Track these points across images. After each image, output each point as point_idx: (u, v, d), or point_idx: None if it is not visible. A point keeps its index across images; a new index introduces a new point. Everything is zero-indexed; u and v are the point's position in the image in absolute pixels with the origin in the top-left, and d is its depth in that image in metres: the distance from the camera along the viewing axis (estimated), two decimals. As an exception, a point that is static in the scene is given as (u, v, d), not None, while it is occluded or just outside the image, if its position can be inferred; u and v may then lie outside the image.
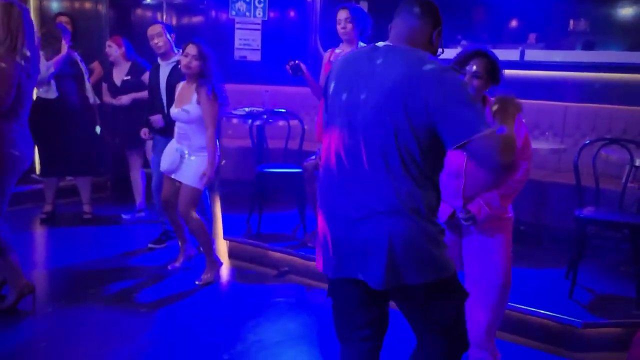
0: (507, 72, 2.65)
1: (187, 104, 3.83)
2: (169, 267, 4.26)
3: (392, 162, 1.82)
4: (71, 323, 3.48)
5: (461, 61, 2.56)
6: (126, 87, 5.11)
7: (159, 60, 4.47)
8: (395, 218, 1.82)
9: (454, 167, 2.55)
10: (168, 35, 4.40)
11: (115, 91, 5.15)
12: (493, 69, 2.55)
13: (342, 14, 4.04)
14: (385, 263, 1.83)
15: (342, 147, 1.90)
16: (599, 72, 5.26)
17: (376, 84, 1.84)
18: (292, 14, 6.79)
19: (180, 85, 4.00)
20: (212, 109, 3.78)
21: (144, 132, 4.71)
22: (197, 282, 4.01)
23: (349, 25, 4.03)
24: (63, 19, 5.54)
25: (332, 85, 1.99)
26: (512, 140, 1.80)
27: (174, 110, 3.92)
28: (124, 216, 5.37)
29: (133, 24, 7.26)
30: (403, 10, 1.95)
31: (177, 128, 3.95)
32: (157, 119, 4.38)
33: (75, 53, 5.19)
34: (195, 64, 3.80)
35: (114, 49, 5.14)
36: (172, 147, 3.97)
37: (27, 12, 3.35)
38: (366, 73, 1.88)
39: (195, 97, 3.81)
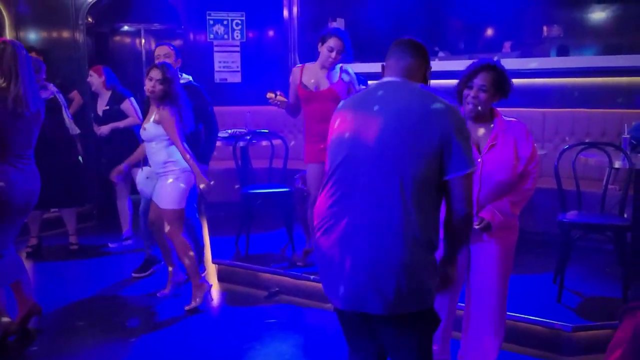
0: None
1: (146, 123, 3.90)
2: (159, 295, 4.23)
3: (398, 193, 1.89)
4: (61, 356, 3.44)
5: (469, 75, 2.60)
6: (106, 117, 5.11)
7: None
8: (401, 248, 1.88)
9: None
10: (174, 59, 4.40)
11: (98, 121, 5.16)
12: (500, 82, 2.59)
13: (337, 44, 4.02)
14: (394, 290, 1.89)
15: (347, 179, 1.98)
16: (574, 77, 5.36)
17: (383, 116, 1.95)
18: (270, 34, 6.86)
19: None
20: (172, 126, 3.81)
21: (119, 171, 4.69)
22: (186, 308, 3.98)
23: (339, 56, 4.06)
24: (33, 54, 5.53)
25: (337, 123, 2.09)
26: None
27: (141, 131, 3.99)
28: (110, 245, 5.34)
29: (112, 52, 7.28)
30: (397, 51, 2.08)
31: (146, 148, 4.01)
32: (120, 169, 4.43)
33: (51, 85, 5.18)
34: (158, 87, 3.84)
35: (94, 78, 5.14)
36: (142, 172, 4.09)
37: (21, 48, 3.35)
38: (372, 106, 1.99)
39: (154, 116, 3.87)
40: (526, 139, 2.61)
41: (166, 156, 3.90)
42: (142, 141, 4.06)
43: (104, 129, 5.08)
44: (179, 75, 4.39)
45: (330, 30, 4.11)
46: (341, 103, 2.20)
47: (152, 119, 3.87)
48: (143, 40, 7.30)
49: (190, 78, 4.50)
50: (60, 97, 5.22)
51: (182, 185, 3.92)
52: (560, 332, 3.33)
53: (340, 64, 4.15)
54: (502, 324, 2.74)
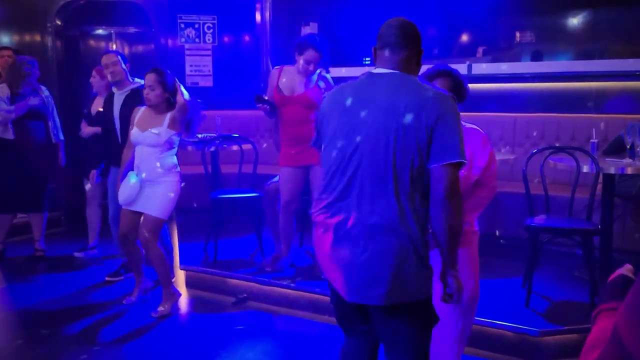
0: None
1: (157, 127, 3.75)
2: (124, 301, 4.14)
3: (391, 181, 1.90)
4: (20, 368, 3.34)
5: (429, 79, 2.56)
6: (98, 119, 4.88)
7: (113, 89, 4.40)
8: (394, 237, 1.90)
9: None
10: (123, 65, 4.35)
11: (90, 121, 4.97)
12: (457, 87, 2.56)
13: (314, 56, 3.96)
14: (388, 281, 1.91)
15: (342, 169, 1.99)
16: (545, 82, 5.39)
17: (376, 107, 1.95)
18: (242, 38, 6.80)
19: (141, 110, 3.89)
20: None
21: (92, 176, 4.61)
22: (153, 315, 3.90)
23: (317, 67, 4.02)
24: (5, 53, 5.42)
25: (327, 113, 2.08)
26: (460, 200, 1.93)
27: (137, 134, 3.80)
28: (76, 254, 5.22)
29: (82, 55, 7.15)
30: (388, 45, 2.04)
31: (139, 153, 3.83)
32: (94, 174, 4.51)
33: (44, 88, 5.11)
34: (152, 94, 3.74)
35: (97, 80, 4.95)
36: (130, 177, 3.84)
37: None
38: (365, 98, 1.98)
39: (167, 121, 3.75)
40: (483, 148, 2.54)
41: (167, 164, 3.81)
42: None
43: (86, 132, 4.96)
44: (130, 80, 4.34)
45: (307, 41, 3.99)
46: (325, 99, 2.15)
47: (165, 123, 3.75)
48: (114, 44, 7.21)
49: (142, 82, 4.43)
50: (50, 102, 5.13)
51: (172, 195, 3.84)
52: (528, 337, 3.32)
53: (319, 69, 4.11)
54: (464, 333, 2.65)
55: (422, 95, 1.92)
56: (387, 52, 2.04)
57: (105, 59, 4.37)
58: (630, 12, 7.16)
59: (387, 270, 1.91)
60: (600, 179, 3.85)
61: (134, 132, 3.82)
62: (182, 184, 3.91)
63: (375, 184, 1.92)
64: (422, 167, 1.92)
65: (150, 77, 3.76)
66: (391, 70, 2.02)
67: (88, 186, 5.06)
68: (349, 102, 2.02)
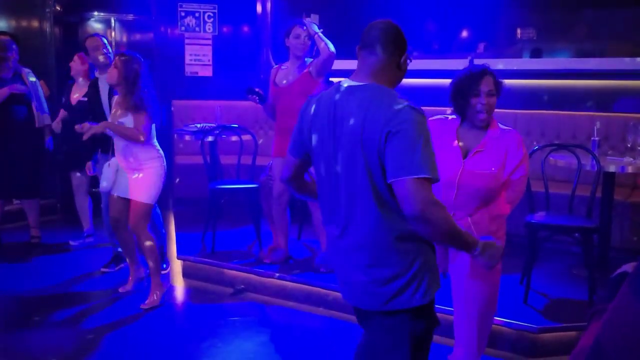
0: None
1: (124, 117, 3.75)
2: (120, 290, 4.12)
3: (366, 195, 1.84)
4: (15, 351, 3.31)
5: (472, 82, 2.52)
6: (80, 108, 4.79)
7: (97, 74, 4.37)
8: (371, 246, 1.87)
9: (446, 177, 2.48)
10: (109, 48, 4.32)
11: (70, 110, 4.86)
12: (497, 84, 2.57)
13: (302, 30, 4.01)
14: (362, 287, 1.91)
15: (329, 186, 1.96)
16: (546, 79, 5.37)
17: (341, 122, 1.87)
18: (243, 28, 6.75)
19: (115, 99, 3.90)
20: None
21: (88, 168, 4.58)
22: (142, 306, 3.86)
23: (308, 42, 4.01)
24: (2, 37, 5.35)
25: (307, 128, 2.02)
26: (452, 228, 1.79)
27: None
28: (72, 243, 5.17)
29: (81, 42, 7.07)
30: (367, 46, 1.93)
31: (117, 142, 3.83)
32: (90, 166, 4.48)
33: (28, 71, 5.03)
34: (109, 74, 3.75)
35: (77, 64, 4.82)
36: (109, 164, 3.90)
37: None
38: (331, 113, 1.91)
39: (130, 109, 3.74)
40: (517, 150, 2.53)
41: (146, 150, 3.78)
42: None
43: (56, 126, 4.90)
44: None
45: (291, 22, 4.08)
46: (305, 110, 2.07)
47: (128, 112, 3.72)
48: (114, 32, 7.14)
49: None
50: (33, 85, 5.04)
51: (157, 179, 3.82)
52: (526, 334, 3.32)
53: (312, 59, 4.09)
54: (481, 338, 2.64)
55: (387, 110, 1.79)
56: (365, 54, 1.93)
57: (90, 42, 4.39)
58: (630, 11, 7.15)
59: (367, 275, 1.89)
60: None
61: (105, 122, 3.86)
62: (177, 180, 3.88)
63: (356, 201, 1.87)
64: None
65: (114, 59, 3.80)
66: (363, 83, 1.90)
67: (77, 175, 5.01)
68: (319, 122, 1.96)
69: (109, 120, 3.87)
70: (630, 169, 3.91)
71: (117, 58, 3.77)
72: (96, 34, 4.71)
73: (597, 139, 4.12)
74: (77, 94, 4.86)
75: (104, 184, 3.91)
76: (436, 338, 2.13)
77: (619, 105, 5.01)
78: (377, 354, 2.00)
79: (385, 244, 1.86)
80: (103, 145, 4.25)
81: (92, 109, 4.39)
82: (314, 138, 1.98)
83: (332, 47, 3.88)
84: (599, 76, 5.18)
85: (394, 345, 1.95)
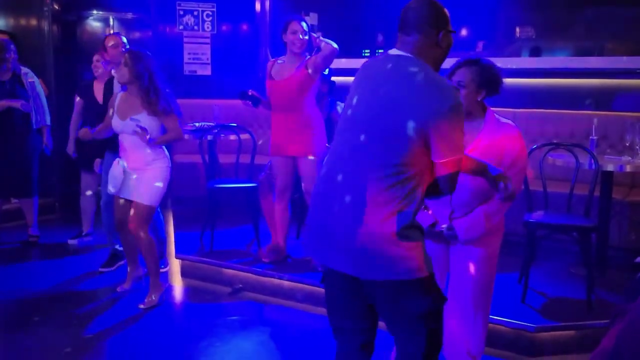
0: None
1: (138, 114, 3.70)
2: (118, 289, 4.12)
3: (379, 165, 1.89)
4: (14, 351, 3.31)
5: (450, 73, 2.51)
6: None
7: (114, 72, 4.35)
8: (369, 213, 1.88)
9: None
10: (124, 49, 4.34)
11: (98, 109, 4.69)
12: (486, 77, 2.47)
13: (299, 26, 4.01)
14: (354, 255, 1.92)
15: (345, 145, 1.99)
16: (545, 77, 5.37)
17: (383, 87, 1.93)
18: (241, 27, 6.75)
19: (120, 96, 3.85)
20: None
21: (96, 165, 4.58)
22: (140, 306, 3.86)
23: (306, 38, 4.01)
24: (0, 38, 5.34)
25: (351, 93, 2.07)
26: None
27: (118, 122, 3.76)
28: (70, 242, 5.18)
29: (79, 40, 7.08)
30: (403, 28, 1.99)
31: (123, 142, 3.80)
32: (98, 163, 4.50)
33: (26, 71, 5.00)
34: (119, 72, 3.73)
35: (101, 64, 4.75)
36: (116, 164, 3.83)
37: None
38: (377, 76, 1.98)
39: (147, 108, 3.70)
40: (514, 145, 2.46)
41: (154, 150, 3.76)
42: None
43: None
44: None
45: (287, 19, 4.07)
46: (361, 67, 2.12)
47: (145, 111, 3.69)
48: (112, 30, 7.13)
49: None
50: (32, 86, 5.02)
51: (161, 182, 3.79)
52: (524, 333, 3.32)
53: (310, 56, 4.09)
54: (477, 340, 2.61)
55: (434, 85, 1.89)
56: (402, 36, 2.00)
57: (107, 40, 4.40)
58: (630, 10, 7.14)
59: (365, 245, 1.91)
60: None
61: (115, 121, 3.79)
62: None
63: (365, 166, 1.92)
64: (413, 152, 1.88)
65: (123, 57, 3.77)
66: (402, 53, 1.97)
67: (88, 175, 4.98)
68: (363, 79, 2.03)
69: (112, 121, 3.81)
70: (628, 168, 3.91)
71: (126, 55, 3.73)
72: (116, 33, 4.72)
73: (595, 137, 4.12)
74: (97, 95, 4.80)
75: (111, 184, 3.83)
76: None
77: (618, 104, 5.02)
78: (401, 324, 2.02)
79: (386, 210, 1.88)
80: (111, 145, 4.22)
81: (100, 107, 4.38)
82: (356, 97, 2.02)
83: (334, 44, 3.87)
84: (597, 75, 5.18)
85: (400, 320, 1.99)
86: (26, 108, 4.92)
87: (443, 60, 2.04)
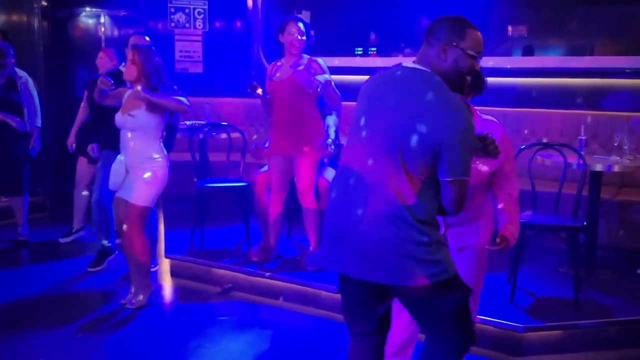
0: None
1: (136, 109, 3.64)
2: (123, 303, 3.92)
3: (395, 172, 1.95)
4: (3, 352, 3.31)
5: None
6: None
7: (122, 67, 4.34)
8: (394, 222, 1.94)
9: None
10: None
11: (99, 106, 4.84)
12: (474, 81, 2.41)
13: (297, 27, 4.00)
14: (383, 264, 1.98)
15: (360, 155, 2.03)
16: (536, 77, 5.38)
17: (396, 98, 1.97)
18: (233, 24, 6.73)
19: (128, 92, 3.79)
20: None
21: (92, 149, 4.55)
22: (128, 306, 3.84)
23: (304, 38, 4.01)
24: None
25: (359, 103, 2.13)
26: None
27: (119, 117, 3.71)
28: (61, 240, 5.15)
29: (70, 37, 7.05)
30: (427, 35, 2.06)
31: (122, 138, 3.73)
32: (94, 148, 4.38)
33: (21, 75, 4.96)
34: (127, 71, 3.67)
35: (105, 61, 4.79)
36: (119, 161, 3.74)
37: None
38: (390, 88, 2.02)
39: (146, 104, 3.63)
40: (504, 139, 2.46)
41: (152, 149, 3.70)
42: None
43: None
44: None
45: (284, 18, 4.06)
46: (361, 88, 2.17)
47: (143, 107, 3.62)
48: (104, 27, 7.10)
49: None
50: (26, 90, 4.98)
51: (156, 182, 3.71)
52: (512, 333, 3.33)
53: (310, 56, 4.09)
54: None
55: (440, 105, 1.92)
56: (423, 45, 2.06)
57: (134, 39, 4.36)
58: (621, 10, 7.16)
59: (385, 252, 1.98)
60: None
61: (118, 116, 3.74)
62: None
63: (382, 174, 1.97)
64: (427, 167, 1.94)
65: (129, 53, 3.72)
66: (419, 67, 2.01)
67: (85, 162, 4.98)
68: (374, 91, 2.07)
69: (119, 114, 3.74)
70: (616, 168, 3.94)
71: (132, 52, 3.66)
72: (141, 32, 4.62)
73: (584, 137, 4.14)
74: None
75: (112, 180, 3.75)
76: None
77: (608, 103, 5.03)
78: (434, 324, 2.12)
79: (408, 219, 1.94)
80: (110, 142, 4.16)
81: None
82: (363, 112, 2.07)
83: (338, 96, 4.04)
84: (587, 74, 5.20)
85: (434, 321, 2.09)
86: (21, 127, 4.93)
87: (455, 77, 2.02)
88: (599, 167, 3.92)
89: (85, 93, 4.87)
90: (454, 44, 1.99)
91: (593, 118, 4.91)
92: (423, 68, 2.00)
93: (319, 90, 3.93)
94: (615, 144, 4.13)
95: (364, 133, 2.04)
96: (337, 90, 4.02)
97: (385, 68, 2.12)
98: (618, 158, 4.03)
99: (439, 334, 2.13)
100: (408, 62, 2.06)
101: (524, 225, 3.64)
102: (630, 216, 4.40)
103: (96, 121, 4.52)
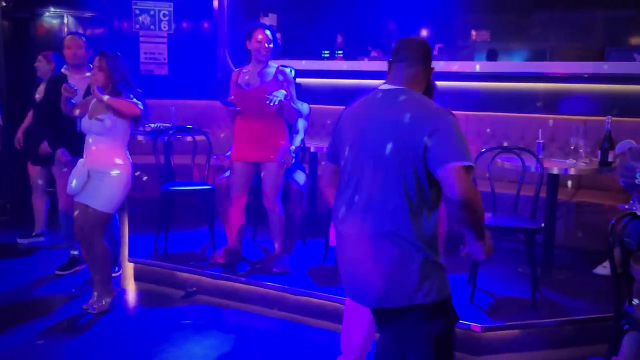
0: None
1: (103, 114, 3.61)
2: (84, 308, 3.89)
3: (392, 190, 2.01)
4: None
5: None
6: (41, 106, 4.65)
7: (66, 71, 4.29)
8: (390, 242, 2.00)
9: None
10: (85, 50, 4.28)
11: (35, 107, 4.80)
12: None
13: (264, 34, 4.01)
14: (379, 284, 2.03)
15: (352, 178, 2.12)
16: (497, 81, 5.50)
17: (381, 120, 2.07)
18: (199, 26, 6.70)
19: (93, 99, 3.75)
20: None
21: (44, 148, 4.48)
22: (90, 311, 3.80)
23: (271, 46, 4.03)
24: None
25: (344, 128, 2.21)
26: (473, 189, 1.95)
27: (85, 121, 3.68)
28: (19, 241, 5.07)
29: (32, 38, 6.92)
30: (406, 58, 2.16)
31: (87, 142, 3.70)
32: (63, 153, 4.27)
33: None
34: (94, 78, 3.64)
35: (43, 64, 4.79)
36: (81, 165, 3.70)
37: None
38: (372, 112, 2.11)
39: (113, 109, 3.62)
40: None
41: (116, 154, 3.67)
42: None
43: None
44: (90, 67, 4.23)
45: (252, 25, 4.08)
46: (342, 116, 2.26)
47: (110, 112, 3.59)
48: (67, 28, 7.00)
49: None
50: None
51: (120, 188, 3.69)
52: (471, 332, 3.39)
53: (278, 65, 4.12)
54: None
55: (426, 109, 2.03)
56: (402, 65, 2.16)
57: (69, 40, 4.27)
58: (579, 16, 7.36)
59: (376, 273, 2.04)
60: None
61: (84, 120, 3.71)
62: (137, 173, 3.81)
63: (379, 193, 2.03)
64: (422, 179, 2.00)
65: (95, 60, 3.69)
66: (398, 87, 2.14)
67: (37, 169, 4.92)
68: (359, 117, 2.15)
69: (85, 118, 3.70)
70: (572, 171, 4.05)
71: (99, 59, 3.64)
72: (77, 32, 4.64)
73: (541, 141, 4.24)
74: (38, 95, 4.77)
75: (73, 185, 3.69)
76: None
77: (566, 107, 5.17)
78: (399, 352, 2.20)
79: (407, 238, 1.99)
80: (73, 147, 4.14)
81: (54, 107, 4.29)
82: (351, 139, 2.14)
83: (304, 111, 4.18)
84: (547, 79, 5.33)
85: (416, 342, 2.10)
86: None
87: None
88: (555, 170, 4.02)
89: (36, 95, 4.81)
90: (431, 65, 2.21)
91: (552, 122, 5.04)
92: (402, 87, 2.13)
93: (272, 105, 3.92)
94: (572, 148, 4.25)
95: (351, 158, 2.13)
96: (296, 105, 4.06)
97: (363, 91, 2.24)
98: (574, 161, 4.14)
99: (418, 357, 2.13)
100: (384, 84, 2.18)
101: (484, 227, 3.73)
102: (587, 217, 4.53)
103: (42, 124, 4.45)
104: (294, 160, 4.15)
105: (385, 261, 2.01)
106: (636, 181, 3.44)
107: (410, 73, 2.16)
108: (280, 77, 4.08)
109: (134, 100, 3.67)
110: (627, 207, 3.87)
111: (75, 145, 4.02)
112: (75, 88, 3.78)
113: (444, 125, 1.97)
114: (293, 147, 4.14)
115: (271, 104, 3.91)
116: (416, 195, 2.00)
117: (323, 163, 2.40)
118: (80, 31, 7.13)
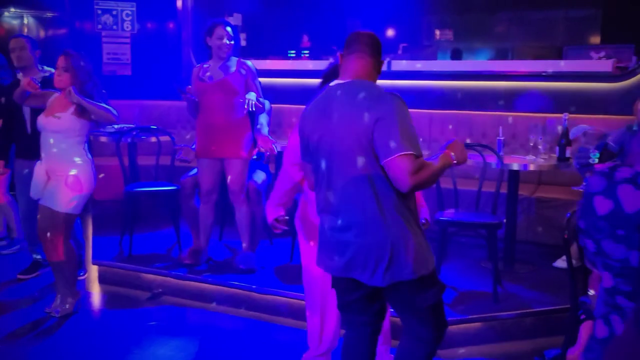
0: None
1: (61, 112, 3.56)
2: (47, 311, 3.81)
3: (365, 181, 2.12)
4: None
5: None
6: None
7: (19, 76, 4.21)
8: (380, 226, 2.11)
9: None
10: (32, 51, 4.16)
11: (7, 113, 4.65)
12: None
13: (225, 31, 4.01)
14: (385, 264, 2.13)
15: (323, 176, 2.23)
16: (460, 80, 5.59)
17: (342, 117, 2.15)
18: (163, 26, 6.65)
19: (55, 96, 3.71)
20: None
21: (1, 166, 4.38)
22: (54, 314, 3.74)
23: (232, 43, 4.03)
24: None
25: (308, 130, 2.27)
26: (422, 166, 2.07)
27: (41, 119, 3.62)
28: None
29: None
30: (357, 50, 2.26)
31: (44, 142, 3.62)
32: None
33: None
34: (58, 78, 3.59)
35: None
36: (39, 167, 3.65)
37: None
38: (327, 110, 2.20)
39: (74, 108, 3.57)
40: None
41: (74, 152, 3.61)
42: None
43: None
44: (39, 68, 4.18)
45: (212, 22, 4.08)
46: (305, 116, 2.32)
47: (71, 110, 3.55)
48: (27, 28, 6.87)
49: (52, 70, 4.28)
50: None
51: (82, 189, 3.62)
52: (435, 326, 3.45)
53: (238, 58, 4.12)
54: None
55: (373, 97, 2.13)
56: (353, 57, 2.26)
57: (12, 43, 4.18)
58: (539, 16, 7.54)
59: (372, 253, 2.16)
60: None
61: (40, 119, 3.64)
62: (101, 175, 3.77)
63: (354, 186, 2.14)
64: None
65: (60, 60, 3.62)
66: (351, 80, 2.23)
67: None
68: (321, 116, 2.22)
69: (42, 116, 3.64)
70: (532, 167, 4.15)
71: (64, 59, 3.58)
72: (21, 35, 4.53)
73: (502, 138, 4.33)
74: None
75: (33, 190, 3.64)
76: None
77: (526, 105, 5.28)
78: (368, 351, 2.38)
79: (381, 222, 2.11)
80: (23, 151, 4.06)
81: (10, 112, 4.20)
82: (316, 136, 2.22)
83: (267, 107, 4.22)
84: (508, 77, 5.44)
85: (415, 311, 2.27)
86: None
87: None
88: (515, 166, 4.12)
89: None
90: (381, 57, 2.33)
91: (512, 119, 5.15)
92: (358, 79, 2.22)
93: (246, 107, 3.95)
94: (532, 144, 4.35)
95: (319, 156, 2.23)
96: (261, 102, 4.07)
97: (319, 89, 2.35)
98: (534, 157, 4.24)
99: (416, 325, 2.32)
100: (337, 80, 2.26)
101: (447, 223, 3.81)
102: (547, 212, 4.64)
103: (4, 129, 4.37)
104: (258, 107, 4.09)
105: (377, 244, 2.13)
106: (590, 160, 3.52)
107: (362, 64, 2.25)
108: (243, 71, 4.07)
109: (107, 106, 3.65)
110: (580, 188, 4.00)
111: (25, 147, 3.96)
112: (38, 83, 3.72)
113: (387, 111, 2.07)
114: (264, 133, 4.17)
115: (250, 109, 3.94)
116: (384, 183, 2.10)
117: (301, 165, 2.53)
118: (42, 32, 7.02)
